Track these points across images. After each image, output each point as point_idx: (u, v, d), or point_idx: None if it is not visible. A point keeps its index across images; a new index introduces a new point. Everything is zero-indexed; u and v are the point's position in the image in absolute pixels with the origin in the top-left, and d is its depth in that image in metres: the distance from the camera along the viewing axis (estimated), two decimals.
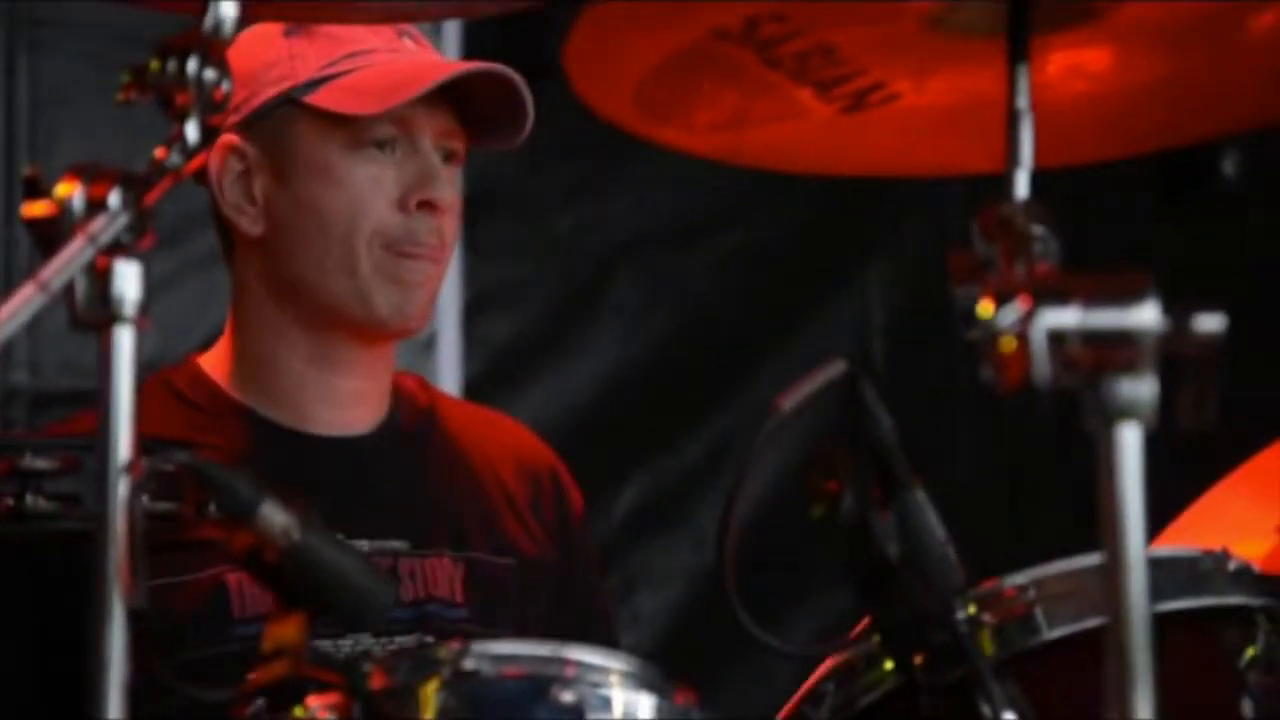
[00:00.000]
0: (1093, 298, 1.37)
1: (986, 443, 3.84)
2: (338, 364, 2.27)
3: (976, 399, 3.74)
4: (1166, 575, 1.72)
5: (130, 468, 1.48)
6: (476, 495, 2.32)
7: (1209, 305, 1.38)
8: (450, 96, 2.27)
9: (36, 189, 1.51)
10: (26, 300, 1.47)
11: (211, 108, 1.57)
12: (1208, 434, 1.35)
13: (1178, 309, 1.37)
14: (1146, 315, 1.36)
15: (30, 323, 1.46)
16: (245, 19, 1.60)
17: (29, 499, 1.72)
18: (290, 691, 1.57)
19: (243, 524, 1.58)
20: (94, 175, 1.51)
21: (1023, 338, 1.37)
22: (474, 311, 3.72)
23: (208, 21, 1.58)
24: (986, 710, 1.59)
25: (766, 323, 3.81)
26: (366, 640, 2.16)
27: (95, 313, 1.49)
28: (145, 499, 1.49)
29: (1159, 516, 1.41)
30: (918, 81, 1.68)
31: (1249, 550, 1.86)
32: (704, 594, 3.68)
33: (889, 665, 1.64)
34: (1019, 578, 1.70)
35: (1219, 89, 1.70)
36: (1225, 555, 1.77)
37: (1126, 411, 1.34)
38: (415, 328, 2.28)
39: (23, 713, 2.15)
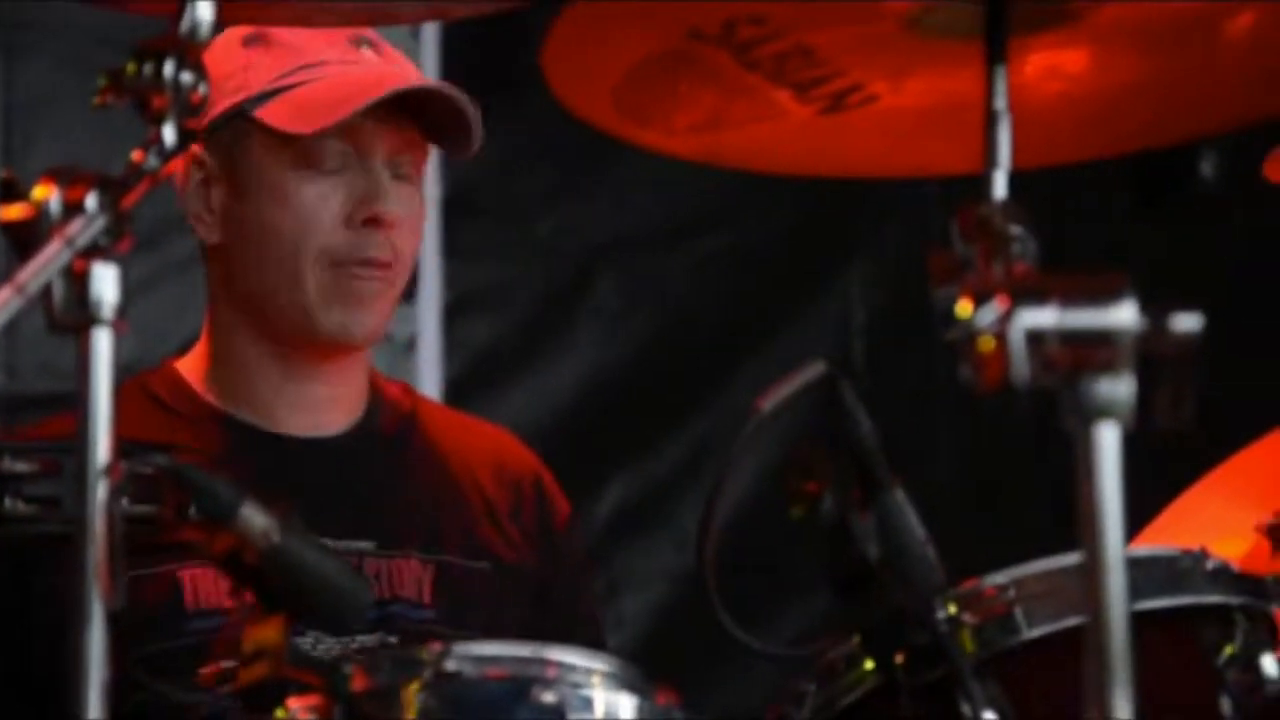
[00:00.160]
0: (1070, 298, 1.37)
1: (966, 443, 3.84)
2: (305, 371, 2.29)
3: (956, 400, 3.75)
4: (1145, 574, 1.72)
5: (109, 471, 1.48)
6: (452, 499, 2.33)
7: (1186, 305, 1.38)
8: (405, 108, 2.27)
9: (13, 192, 1.51)
10: (3, 304, 1.46)
11: (188, 110, 1.57)
12: (1185, 434, 1.35)
13: (1155, 309, 1.37)
14: (1124, 315, 1.36)
15: (7, 326, 1.46)
16: (221, 21, 1.59)
17: (8, 502, 1.72)
18: (271, 693, 1.57)
19: (223, 526, 1.58)
20: (71, 178, 1.51)
21: (1001, 338, 1.37)
22: (455, 314, 3.72)
23: (184, 24, 1.58)
24: (967, 710, 1.59)
25: (746, 325, 3.81)
26: (327, 639, 2.16)
27: (73, 316, 1.49)
28: (124, 502, 1.48)
29: (1137, 516, 1.41)
30: (896, 83, 1.68)
31: (1227, 549, 1.86)
32: (685, 595, 3.68)
33: (869, 665, 1.64)
34: (998, 577, 1.71)
35: (1197, 90, 1.70)
36: (1203, 554, 1.78)
37: (1105, 411, 1.35)
38: (367, 343, 2.30)
39: (3, 713, 2.15)
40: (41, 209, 1.50)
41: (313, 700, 1.55)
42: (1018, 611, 1.68)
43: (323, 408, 2.29)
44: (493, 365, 3.74)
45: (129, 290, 1.51)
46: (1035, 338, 1.36)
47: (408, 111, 2.28)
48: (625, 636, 3.62)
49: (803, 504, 1.60)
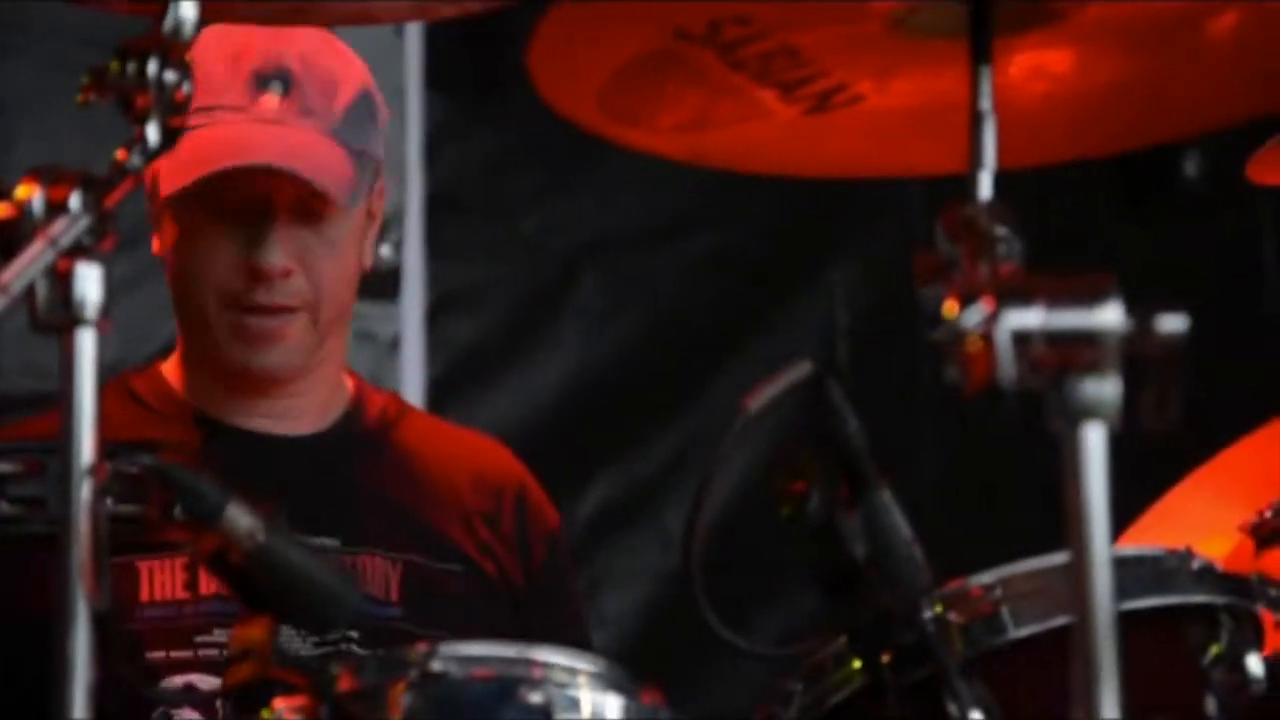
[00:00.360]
0: (1056, 298, 1.37)
1: (950, 444, 3.84)
2: (259, 387, 2.31)
3: (940, 400, 3.75)
4: (1131, 574, 1.72)
5: (94, 471, 1.47)
6: (424, 502, 2.34)
7: (1171, 306, 1.38)
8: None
9: None
10: None
11: (172, 109, 1.56)
12: (1170, 434, 1.36)
13: (1141, 310, 1.37)
14: (1110, 316, 1.37)
15: None
16: (205, 20, 1.59)
17: None
18: (257, 694, 1.57)
19: (208, 526, 1.58)
20: (54, 177, 1.51)
21: (987, 338, 1.37)
22: (438, 313, 3.71)
23: (168, 23, 1.57)
24: (954, 709, 1.59)
25: (731, 324, 3.81)
26: (286, 632, 2.17)
27: (57, 315, 1.48)
28: (109, 502, 1.48)
29: (1120, 515, 1.41)
30: (881, 83, 1.68)
31: (1211, 549, 1.87)
32: (671, 595, 3.68)
33: (857, 665, 1.64)
34: (985, 577, 1.71)
35: (1181, 90, 1.70)
36: (1189, 554, 1.78)
37: (1091, 411, 1.35)
38: (288, 376, 2.30)
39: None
40: (25, 208, 1.49)
41: (299, 701, 1.55)
42: (1004, 611, 1.68)
43: (292, 413, 2.32)
44: (477, 364, 3.74)
45: (113, 289, 1.50)
46: (1021, 338, 1.37)
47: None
48: (610, 636, 3.61)
49: (790, 503, 1.60)
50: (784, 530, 1.62)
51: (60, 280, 1.48)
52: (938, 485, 3.79)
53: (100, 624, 1.45)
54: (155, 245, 2.32)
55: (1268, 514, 2.12)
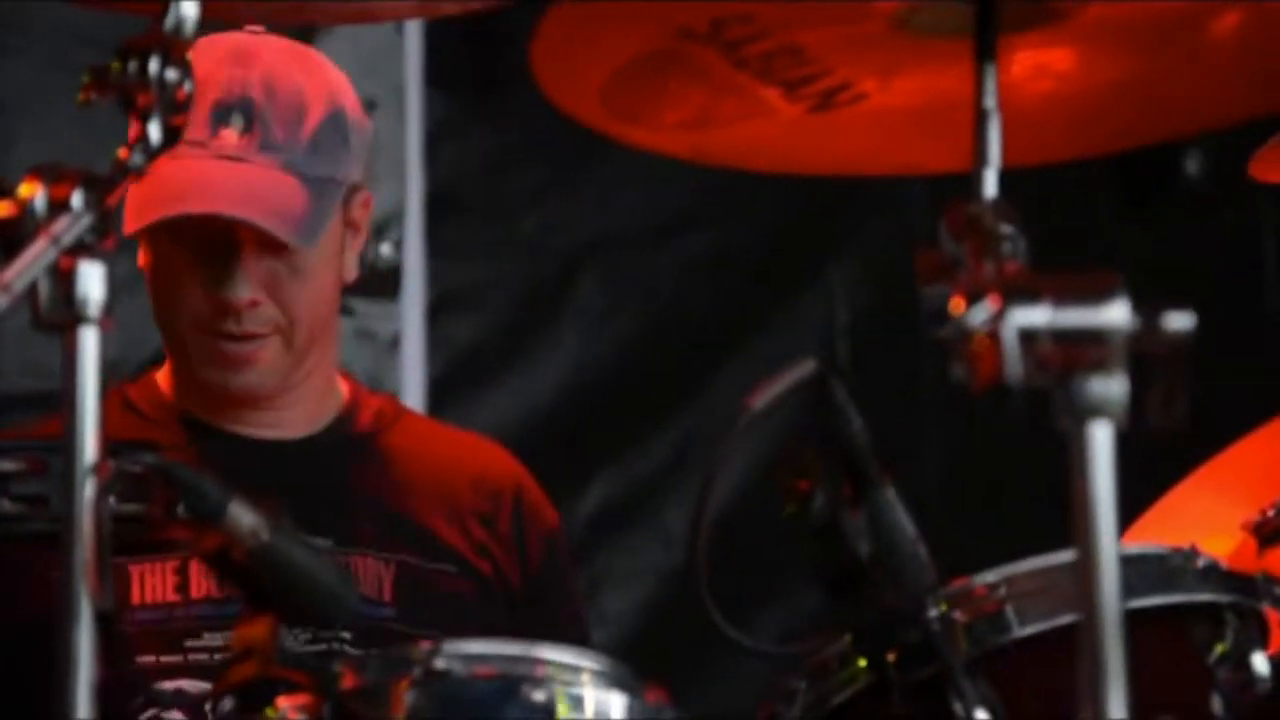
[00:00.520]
0: (1063, 297, 1.37)
1: (954, 441, 3.84)
2: (242, 401, 2.31)
3: (943, 398, 3.75)
4: (1137, 572, 1.72)
5: (97, 469, 1.47)
6: (419, 503, 2.34)
7: (1177, 304, 1.38)
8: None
9: None
10: None
11: (173, 108, 1.56)
12: (1177, 432, 1.35)
13: (1147, 308, 1.37)
14: (1116, 314, 1.36)
15: None
16: (205, 18, 1.59)
17: None
18: (260, 692, 1.56)
19: (211, 525, 1.58)
20: (56, 176, 1.50)
21: (994, 336, 1.37)
22: (438, 312, 3.71)
23: (169, 21, 1.57)
24: (958, 708, 1.59)
25: (732, 323, 3.81)
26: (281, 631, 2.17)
27: (59, 314, 1.48)
28: (112, 500, 1.48)
29: (1123, 513, 1.41)
30: (884, 81, 1.68)
31: (1214, 547, 1.87)
32: (672, 593, 3.68)
33: (861, 663, 1.64)
34: (990, 575, 1.71)
35: (1182, 90, 1.70)
36: (1194, 552, 1.78)
37: (1097, 410, 1.35)
38: (265, 395, 2.30)
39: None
40: (27, 207, 1.49)
41: (302, 699, 1.55)
42: (1009, 609, 1.68)
43: (282, 422, 2.33)
44: (477, 363, 3.74)
45: (115, 288, 1.50)
46: (1028, 337, 1.36)
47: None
48: (612, 635, 3.61)
49: (794, 502, 1.60)
50: (786, 529, 1.62)
51: (62, 279, 1.48)
52: (942, 484, 3.78)
53: (103, 623, 1.45)
54: (140, 259, 2.31)
55: (1270, 512, 2.12)
